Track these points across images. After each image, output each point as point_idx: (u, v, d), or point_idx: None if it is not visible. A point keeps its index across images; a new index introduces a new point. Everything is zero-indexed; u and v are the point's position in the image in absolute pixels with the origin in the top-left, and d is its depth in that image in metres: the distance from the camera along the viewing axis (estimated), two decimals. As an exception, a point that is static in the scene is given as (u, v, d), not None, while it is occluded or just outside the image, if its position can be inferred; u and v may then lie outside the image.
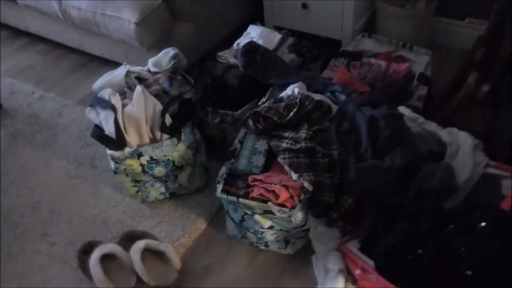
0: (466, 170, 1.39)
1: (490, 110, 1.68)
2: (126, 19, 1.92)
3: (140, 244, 1.47)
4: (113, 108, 1.49)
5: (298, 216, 1.33)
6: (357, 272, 1.33)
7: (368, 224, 1.36)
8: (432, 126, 1.52)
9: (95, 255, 1.45)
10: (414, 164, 1.33)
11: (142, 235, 1.54)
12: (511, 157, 1.61)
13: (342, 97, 1.59)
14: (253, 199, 1.35)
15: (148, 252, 1.47)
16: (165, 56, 1.75)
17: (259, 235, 1.45)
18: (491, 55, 1.63)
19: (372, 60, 1.93)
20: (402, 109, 1.55)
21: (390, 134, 1.35)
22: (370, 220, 1.36)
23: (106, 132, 1.50)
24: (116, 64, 2.03)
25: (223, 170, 1.44)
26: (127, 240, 1.53)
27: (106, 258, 1.45)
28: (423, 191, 1.30)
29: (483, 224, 1.20)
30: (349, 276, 1.36)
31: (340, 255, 1.37)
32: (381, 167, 1.32)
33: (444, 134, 1.48)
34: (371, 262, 1.27)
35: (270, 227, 1.41)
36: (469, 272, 1.14)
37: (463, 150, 1.44)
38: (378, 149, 1.36)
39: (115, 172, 1.60)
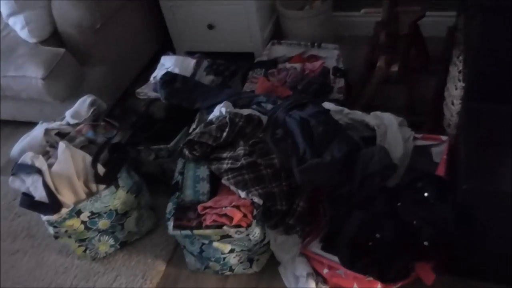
0: (399, 147, 1.46)
1: (405, 87, 1.79)
2: (32, 76, 1.83)
3: (101, 305, 1.39)
4: (39, 172, 1.40)
5: (255, 232, 1.32)
6: (325, 271, 1.34)
7: (324, 222, 1.39)
8: (357, 114, 1.58)
9: (55, 330, 1.35)
10: (351, 153, 1.37)
11: (102, 295, 1.46)
12: (433, 126, 1.73)
13: (269, 106, 1.62)
14: (207, 227, 1.32)
15: (112, 311, 1.40)
16: (82, 105, 1.68)
17: (221, 262, 1.42)
18: (393, 37, 1.74)
19: (287, 65, 1.99)
20: (326, 104, 1.60)
21: (323, 130, 1.39)
22: (326, 216, 1.38)
23: (37, 198, 1.41)
24: (31, 125, 1.91)
25: (170, 205, 1.41)
26: (86, 304, 1.44)
27: (68, 330, 1.36)
28: (366, 176, 1.35)
29: (426, 194, 1.26)
30: (319, 277, 1.37)
31: (305, 260, 1.39)
32: (322, 164, 1.35)
33: (370, 118, 1.55)
34: (335, 258, 1.29)
35: (231, 251, 1.39)
36: (426, 243, 1.19)
37: (390, 130, 1.51)
38: (316, 148, 1.39)
39: (55, 237, 1.50)
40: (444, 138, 1.47)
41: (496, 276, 1.30)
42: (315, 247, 1.37)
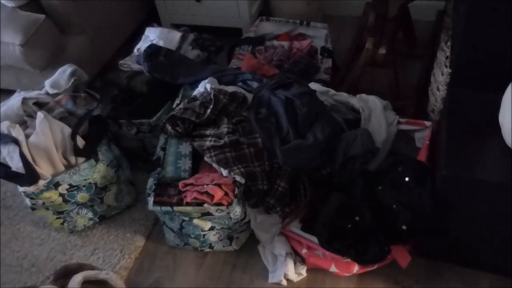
0: (382, 131, 1.46)
1: (391, 70, 1.78)
2: (9, 42, 1.75)
3: (77, 278, 1.37)
4: (16, 141, 1.37)
5: (236, 211, 1.32)
6: (304, 251, 1.36)
7: (304, 202, 1.39)
8: (343, 96, 1.58)
9: (30, 302, 1.34)
10: (334, 135, 1.37)
11: (78, 268, 1.44)
12: (417, 110, 1.74)
13: (254, 84, 1.60)
14: (188, 204, 1.31)
15: (88, 284, 1.38)
16: (63, 75, 1.63)
17: (201, 239, 1.42)
18: (381, 19, 1.72)
19: (275, 42, 1.96)
20: (312, 85, 1.59)
21: (307, 111, 1.38)
22: (306, 198, 1.39)
23: (14, 168, 1.38)
24: (8, 93, 1.86)
25: (151, 181, 1.39)
26: (63, 276, 1.42)
27: (44, 302, 1.34)
28: (348, 159, 1.35)
29: (407, 179, 1.27)
30: (297, 257, 1.39)
31: (284, 239, 1.39)
32: (305, 145, 1.35)
33: (355, 101, 1.55)
34: (314, 239, 1.30)
35: (211, 228, 1.39)
36: (404, 227, 1.20)
37: (375, 113, 1.51)
38: (299, 128, 1.38)
39: (33, 209, 1.48)
40: (427, 123, 1.48)
41: (471, 261, 1.33)
42: (295, 227, 1.38)
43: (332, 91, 1.59)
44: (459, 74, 1.32)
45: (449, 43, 1.46)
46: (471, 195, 1.19)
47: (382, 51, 1.67)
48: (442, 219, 1.21)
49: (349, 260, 1.28)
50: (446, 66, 1.41)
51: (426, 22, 2.12)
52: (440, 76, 1.45)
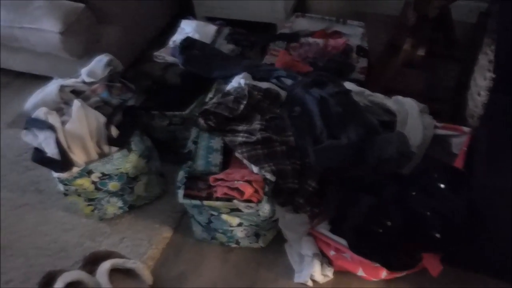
0: (418, 135, 1.43)
1: (428, 72, 1.74)
2: (49, 29, 1.79)
3: (105, 265, 1.39)
4: (52, 128, 1.39)
5: (265, 209, 1.31)
6: (332, 253, 1.34)
7: (334, 204, 1.37)
8: (378, 97, 1.54)
9: (59, 285, 1.36)
10: (368, 137, 1.34)
11: (107, 255, 1.47)
12: (453, 114, 1.69)
13: (288, 82, 1.58)
14: (217, 199, 1.31)
15: (116, 272, 1.40)
16: (99, 64, 1.65)
17: (229, 234, 1.42)
18: (421, 19, 1.68)
19: (310, 39, 1.94)
20: (347, 84, 1.56)
21: (341, 111, 1.36)
22: (336, 199, 1.37)
23: (49, 154, 1.40)
24: (45, 79, 1.89)
25: (181, 174, 1.39)
26: (91, 263, 1.45)
27: (71, 287, 1.37)
28: (381, 162, 1.32)
29: (442, 185, 1.24)
30: (324, 259, 1.37)
31: (312, 240, 1.38)
32: (338, 146, 1.33)
33: (391, 103, 1.51)
34: (343, 241, 1.28)
35: (239, 224, 1.38)
36: (437, 235, 1.17)
37: (411, 116, 1.47)
38: (332, 128, 1.36)
39: (65, 194, 1.50)
40: (466, 129, 1.43)
41: (503, 273, 1.29)
42: (324, 228, 1.36)
43: (368, 92, 1.56)
44: (503, 80, 1.28)
45: (493, 47, 1.41)
46: (508, 206, 1.15)
47: (421, 52, 1.63)
48: (476, 228, 1.18)
49: (377, 265, 1.26)
50: (489, 71, 1.36)
51: (463, 23, 2.05)
52: (482, 81, 1.41)
